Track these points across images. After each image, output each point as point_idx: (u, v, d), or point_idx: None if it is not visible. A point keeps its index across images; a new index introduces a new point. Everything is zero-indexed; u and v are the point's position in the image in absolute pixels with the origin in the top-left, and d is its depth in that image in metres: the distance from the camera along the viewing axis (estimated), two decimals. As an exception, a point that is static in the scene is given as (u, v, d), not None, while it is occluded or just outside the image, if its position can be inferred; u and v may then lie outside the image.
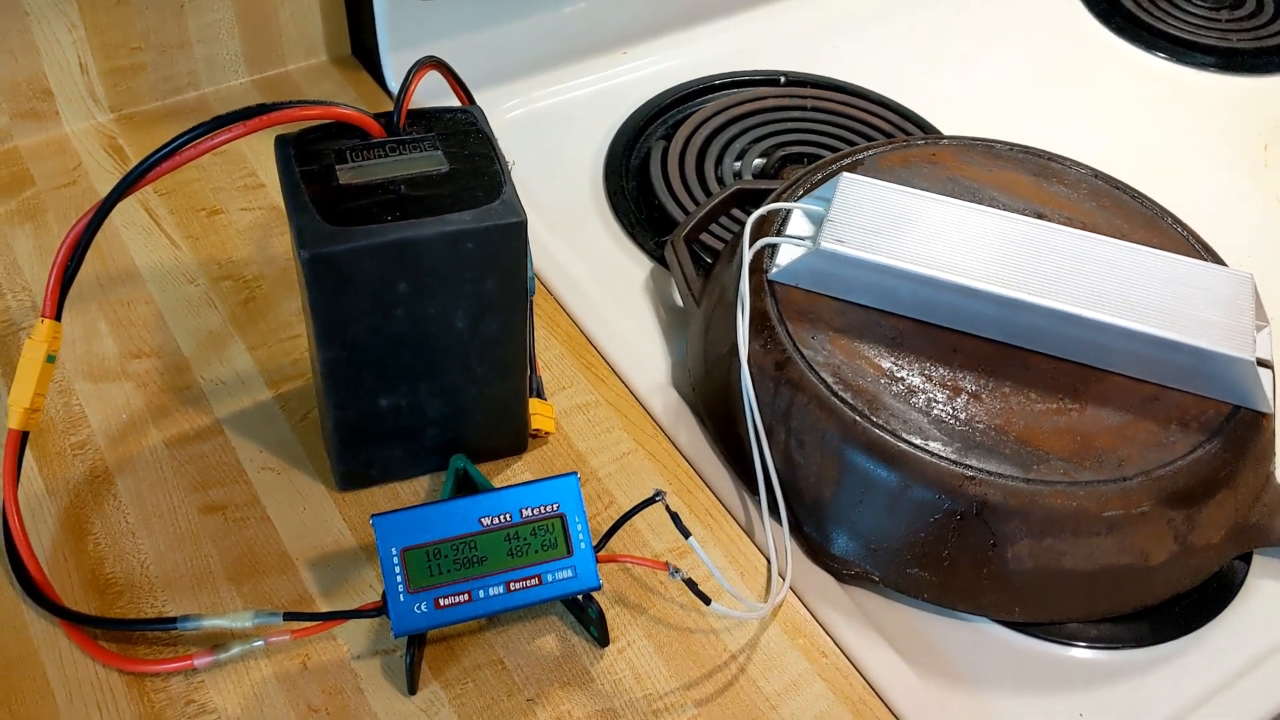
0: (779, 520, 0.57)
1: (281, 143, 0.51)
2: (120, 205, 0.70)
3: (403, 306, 0.50)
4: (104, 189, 0.70)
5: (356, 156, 0.50)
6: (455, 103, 0.57)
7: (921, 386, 0.56)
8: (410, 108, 0.52)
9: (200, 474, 0.57)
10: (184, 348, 0.63)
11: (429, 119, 0.53)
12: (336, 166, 0.50)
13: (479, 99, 0.80)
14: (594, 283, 0.70)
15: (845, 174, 0.62)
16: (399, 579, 0.48)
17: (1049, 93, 0.87)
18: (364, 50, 0.81)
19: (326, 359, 0.51)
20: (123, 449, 0.58)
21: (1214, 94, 0.88)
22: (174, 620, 0.50)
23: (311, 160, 0.50)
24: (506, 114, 0.80)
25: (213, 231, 0.69)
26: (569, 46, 0.84)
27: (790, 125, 0.80)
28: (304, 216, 0.48)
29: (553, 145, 0.79)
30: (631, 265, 0.71)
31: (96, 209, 0.50)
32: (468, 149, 0.51)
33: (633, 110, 0.81)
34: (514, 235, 0.49)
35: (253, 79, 0.79)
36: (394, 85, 0.80)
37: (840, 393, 0.56)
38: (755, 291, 0.60)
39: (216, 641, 0.51)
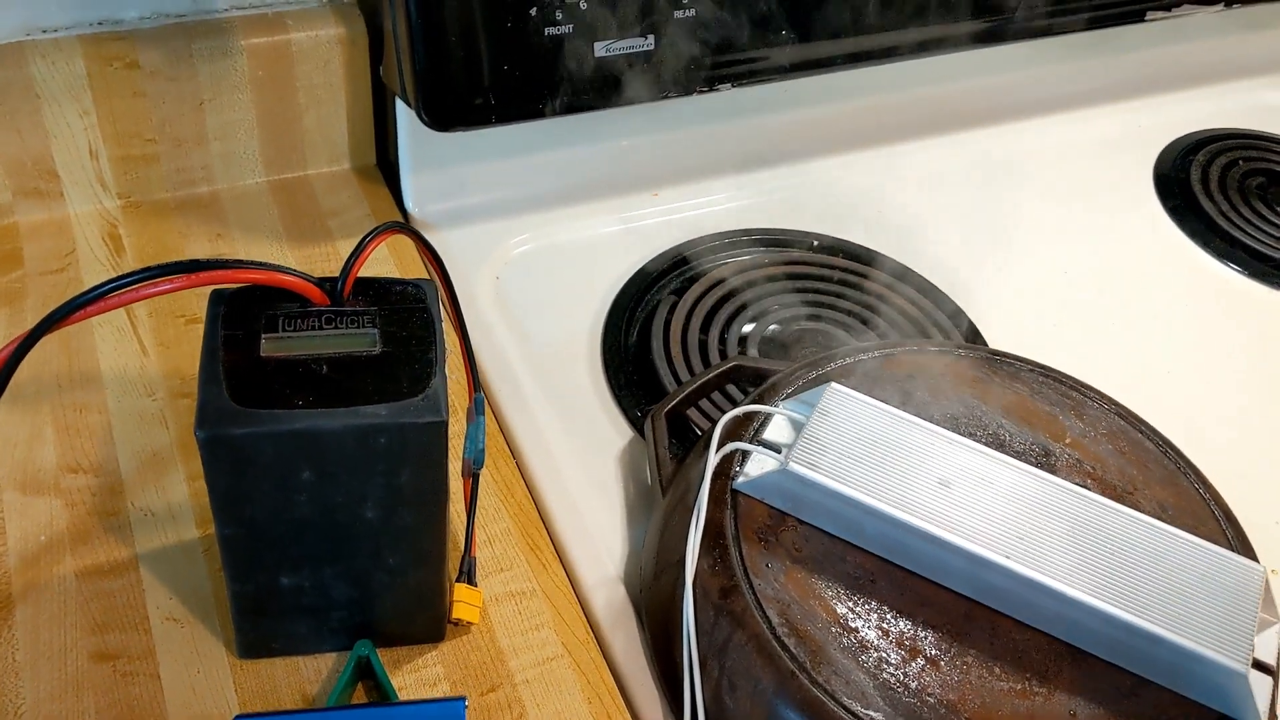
0: (699, 764, 0.52)
1: (216, 299, 0.48)
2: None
3: (307, 493, 0.46)
4: (91, 281, 0.69)
5: (289, 325, 0.47)
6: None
7: (875, 642, 0.51)
8: (362, 275, 0.50)
9: (103, 614, 0.54)
10: (124, 468, 0.60)
11: (378, 290, 0.49)
12: (264, 335, 0.47)
13: (490, 228, 0.78)
14: (565, 446, 0.65)
15: (833, 384, 0.58)
16: (252, 792, 0.44)
17: (1106, 298, 0.80)
18: (388, 164, 0.79)
19: (223, 534, 0.47)
20: (32, 574, 0.55)
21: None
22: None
23: (241, 323, 0.47)
24: (514, 249, 0.77)
25: (186, 341, 0.67)
26: (597, 181, 0.81)
27: (811, 298, 0.76)
28: (210, 390, 0.45)
29: (559, 285, 0.75)
30: (611, 432, 0.67)
31: (20, 341, 0.47)
32: (407, 329, 0.48)
33: (651, 257, 0.78)
34: (432, 435, 0.46)
35: (269, 180, 0.78)
36: (411, 205, 0.77)
37: (783, 636, 0.51)
38: (716, 500, 0.56)
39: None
